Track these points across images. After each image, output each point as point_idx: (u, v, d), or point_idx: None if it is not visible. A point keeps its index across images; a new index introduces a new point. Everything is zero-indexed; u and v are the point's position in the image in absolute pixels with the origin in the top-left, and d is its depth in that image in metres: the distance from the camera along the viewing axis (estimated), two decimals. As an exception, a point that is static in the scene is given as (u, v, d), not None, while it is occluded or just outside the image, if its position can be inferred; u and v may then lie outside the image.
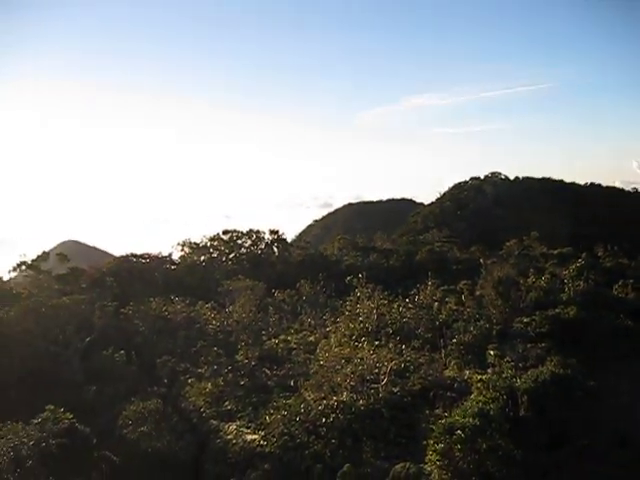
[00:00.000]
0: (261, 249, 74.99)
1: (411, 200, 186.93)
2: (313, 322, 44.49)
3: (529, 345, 32.24)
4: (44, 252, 62.56)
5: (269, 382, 35.06)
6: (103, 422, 27.77)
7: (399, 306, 38.96)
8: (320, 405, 27.19)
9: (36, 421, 23.60)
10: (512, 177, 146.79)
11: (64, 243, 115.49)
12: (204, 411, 30.74)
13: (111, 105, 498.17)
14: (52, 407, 24.37)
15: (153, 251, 71.75)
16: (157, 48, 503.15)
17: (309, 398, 28.43)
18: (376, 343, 31.61)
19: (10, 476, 21.34)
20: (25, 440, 22.12)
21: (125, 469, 23.71)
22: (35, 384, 32.53)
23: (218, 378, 35.01)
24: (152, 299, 46.20)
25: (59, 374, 34.84)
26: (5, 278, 59.95)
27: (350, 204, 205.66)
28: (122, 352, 36.39)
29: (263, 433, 27.08)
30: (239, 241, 74.73)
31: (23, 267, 60.61)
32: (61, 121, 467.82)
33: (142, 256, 69.22)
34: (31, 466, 21.60)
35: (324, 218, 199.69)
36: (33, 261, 60.43)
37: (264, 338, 42.14)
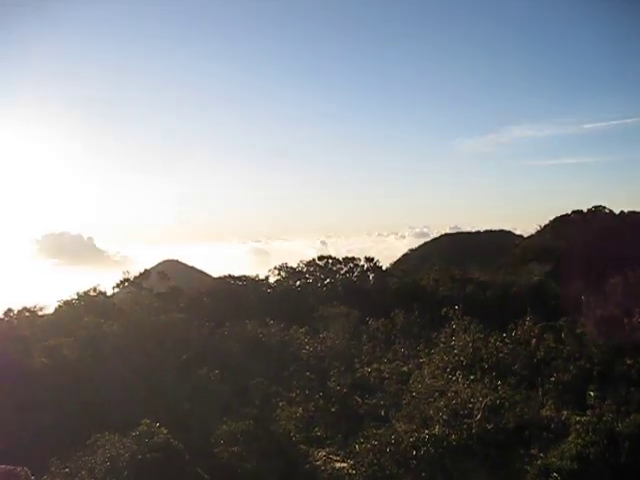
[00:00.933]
0: (356, 276, 75.00)
1: (510, 232, 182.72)
2: (406, 352, 43.87)
3: (632, 388, 30.83)
4: (146, 270, 64.80)
5: (360, 410, 34.76)
6: (196, 439, 28.16)
7: (495, 340, 37.88)
8: (411, 437, 26.65)
9: (133, 434, 24.25)
10: (617, 211, 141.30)
11: (165, 262, 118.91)
12: (294, 435, 30.72)
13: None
14: (148, 421, 24.99)
15: (250, 274, 73.20)
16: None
17: (400, 429, 27.94)
18: (471, 377, 30.81)
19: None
20: (122, 452, 22.81)
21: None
22: (132, 398, 33.55)
23: (309, 403, 35.06)
24: (247, 321, 46.95)
25: (155, 390, 35.76)
26: (109, 293, 62.58)
27: (447, 234, 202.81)
28: (216, 372, 37.03)
29: (352, 462, 26.82)
30: (334, 267, 75.04)
31: (126, 284, 63.07)
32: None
33: (239, 278, 70.64)
34: (126, 477, 22.22)
35: (420, 247, 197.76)
36: (135, 278, 62.76)
37: (357, 366, 41.88)
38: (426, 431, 27.57)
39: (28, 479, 23.53)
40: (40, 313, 59.06)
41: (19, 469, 23.47)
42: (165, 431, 24.59)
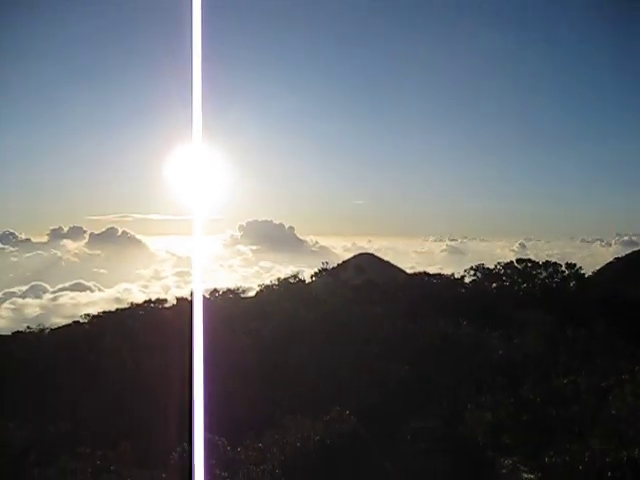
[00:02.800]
0: (556, 282, 71.83)
1: None
2: (606, 367, 41.38)
3: None
4: (343, 262, 66.53)
5: (552, 422, 33.34)
6: (382, 432, 28.50)
7: None
8: (607, 457, 25.14)
9: (324, 418, 25.08)
10: None
11: (361, 255, 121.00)
12: (481, 440, 30.16)
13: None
14: (338, 409, 25.70)
15: (445, 272, 72.69)
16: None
17: (595, 447, 26.48)
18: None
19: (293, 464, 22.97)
20: (312, 434, 23.69)
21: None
22: (323, 385, 34.66)
23: (499, 409, 34.18)
24: (440, 320, 46.65)
25: (345, 379, 36.63)
26: (307, 281, 65.06)
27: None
28: (406, 368, 37.21)
29: (541, 474, 25.87)
30: (533, 272, 72.38)
31: (324, 274, 65.16)
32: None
33: (434, 276, 70.34)
34: (314, 459, 23.03)
35: (628, 256, 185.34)
36: (333, 269, 64.65)
37: (552, 376, 40.17)
38: (625, 452, 25.94)
39: (225, 449, 25.14)
40: (242, 295, 62.66)
41: (217, 439, 25.15)
42: (354, 420, 25.18)
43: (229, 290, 62.42)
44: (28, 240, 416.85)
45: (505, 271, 72.90)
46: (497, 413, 33.64)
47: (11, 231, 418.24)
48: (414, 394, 34.94)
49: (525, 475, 26.64)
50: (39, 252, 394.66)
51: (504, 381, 37.78)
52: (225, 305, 56.34)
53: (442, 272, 75.47)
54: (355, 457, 23.52)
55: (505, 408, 34.49)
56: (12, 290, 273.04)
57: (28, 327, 57.05)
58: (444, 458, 27.04)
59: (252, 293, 66.17)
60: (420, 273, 74.23)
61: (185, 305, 53.87)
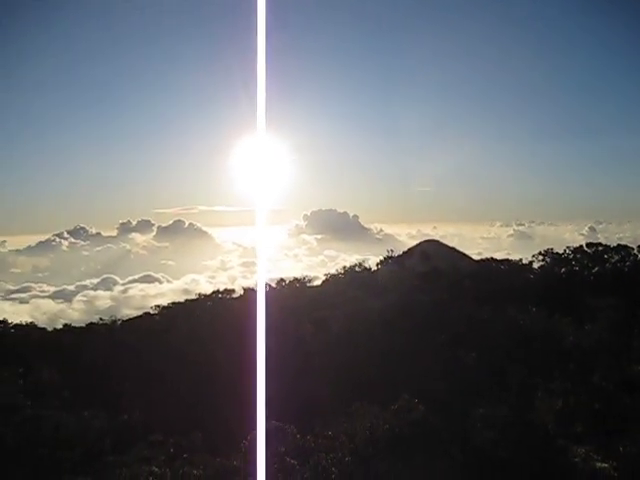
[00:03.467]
0: (628, 266, 69.83)
1: None
2: (684, 353, 40.18)
3: None
4: (409, 249, 66.21)
5: (626, 411, 32.57)
6: (450, 420, 28.35)
7: None
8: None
9: (392, 407, 25.13)
10: None
11: (426, 242, 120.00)
12: (552, 428, 29.69)
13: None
14: (406, 397, 25.70)
15: (513, 258, 71.61)
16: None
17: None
18: None
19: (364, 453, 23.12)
20: (381, 423, 23.78)
21: (467, 470, 24.05)
22: (390, 373, 34.68)
23: (570, 397, 33.56)
24: (508, 306, 46.01)
25: (412, 367, 36.56)
26: (372, 270, 65.07)
27: None
28: (474, 355, 36.89)
29: (615, 464, 25.34)
30: (604, 256, 70.53)
31: (389, 262, 65.03)
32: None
33: (502, 262, 69.37)
34: (383, 448, 23.12)
35: None
36: (398, 257, 64.44)
37: (624, 363, 39.22)
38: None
39: (294, 437, 25.43)
40: (308, 285, 63.05)
41: (287, 426, 25.47)
42: (422, 408, 25.15)
43: (295, 279, 62.94)
44: (98, 234, 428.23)
45: (575, 256, 71.27)
46: (568, 401, 33.03)
47: (82, 226, 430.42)
48: (483, 381, 34.63)
49: (598, 464, 26.10)
50: (109, 245, 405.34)
51: (575, 368, 37.05)
52: (292, 294, 56.84)
53: (510, 258, 74.26)
54: (424, 445, 23.49)
55: (576, 396, 33.83)
56: (84, 283, 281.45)
57: (101, 319, 58.74)
58: (514, 446, 26.73)
59: (318, 282, 66.63)
60: (487, 259, 73.38)
61: (252, 295, 54.55)
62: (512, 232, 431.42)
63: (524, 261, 71.13)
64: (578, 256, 71.06)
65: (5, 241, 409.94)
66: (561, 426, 30.24)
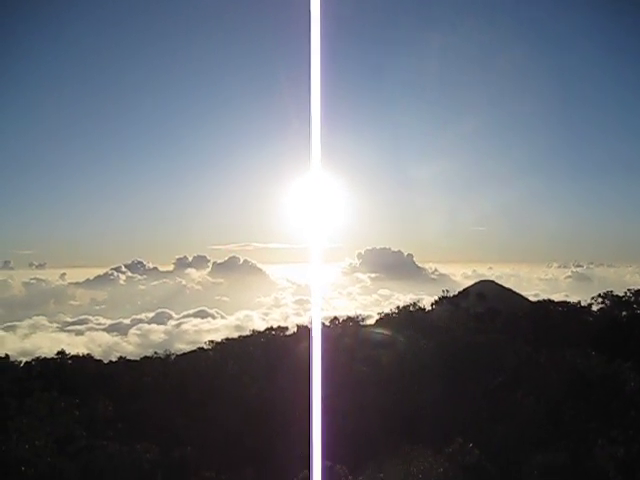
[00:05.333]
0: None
1: None
2: None
3: None
4: (465, 290, 65.49)
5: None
6: (506, 465, 27.70)
7: None
8: None
9: (446, 450, 24.67)
10: None
11: (482, 282, 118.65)
12: (613, 477, 28.66)
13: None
14: (461, 440, 25.22)
15: (571, 300, 70.20)
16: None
17: None
18: None
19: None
20: (435, 466, 23.34)
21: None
22: (444, 414, 34.07)
23: (633, 444, 32.39)
24: (566, 349, 44.93)
25: (467, 409, 35.89)
26: (427, 309, 64.50)
27: None
28: (531, 398, 36.02)
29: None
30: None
31: (444, 302, 64.40)
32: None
33: (559, 304, 68.03)
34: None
35: None
36: (454, 297, 63.78)
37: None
38: None
39: (346, 477, 25.14)
40: (362, 323, 62.76)
41: (338, 467, 25.21)
42: (478, 452, 24.63)
43: (349, 318, 62.69)
44: (155, 269, 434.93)
45: (636, 298, 69.42)
46: (630, 448, 31.87)
47: (139, 260, 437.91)
48: (541, 427, 33.73)
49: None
50: (165, 280, 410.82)
51: (637, 415, 35.81)
52: (345, 333, 56.59)
53: (568, 300, 72.72)
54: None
55: (638, 444, 32.63)
56: (139, 317, 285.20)
57: (155, 352, 59.41)
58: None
59: (371, 321, 66.26)
60: (544, 301, 71.99)
61: (305, 332, 54.54)
62: (570, 274, 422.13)
63: (583, 303, 69.56)
64: (639, 299, 69.25)
65: (65, 274, 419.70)
66: (623, 475, 29.18)
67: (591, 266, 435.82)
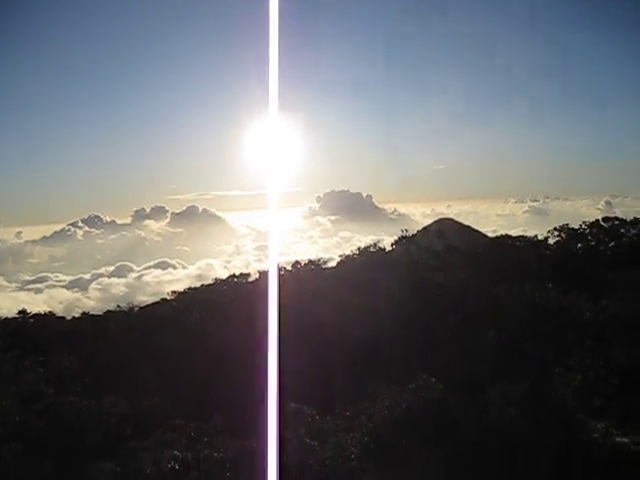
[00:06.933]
0: (646, 240, 69.29)
1: None
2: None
3: None
4: (424, 228, 66.09)
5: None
6: (468, 398, 28.36)
7: None
8: None
9: (410, 386, 25.20)
10: None
11: (440, 221, 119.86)
12: (570, 404, 29.65)
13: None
14: (425, 376, 25.78)
15: (528, 234, 71.45)
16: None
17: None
18: None
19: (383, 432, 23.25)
20: (399, 403, 23.88)
21: (486, 448, 24.09)
22: (407, 352, 34.74)
23: (588, 372, 33.46)
24: (524, 283, 45.80)
25: (429, 346, 36.60)
26: (387, 250, 65.05)
27: None
28: (491, 333, 36.80)
29: (635, 438, 25.34)
30: (621, 230, 70.01)
31: (404, 241, 64.97)
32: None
33: (517, 239, 69.19)
34: (401, 426, 23.24)
35: None
36: (413, 236, 64.34)
37: (643, 337, 39.02)
38: None
39: (313, 418, 25.58)
40: (324, 266, 63.04)
41: (305, 408, 25.62)
42: (441, 387, 25.22)
43: (310, 261, 62.88)
44: (113, 222, 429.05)
45: (591, 231, 70.83)
46: (587, 376, 32.92)
47: (96, 214, 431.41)
48: (502, 360, 34.61)
49: (618, 439, 26.13)
50: (124, 233, 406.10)
51: (593, 344, 36.87)
52: (307, 277, 56.87)
53: (525, 234, 73.92)
54: (443, 423, 23.56)
55: (595, 371, 33.70)
56: (99, 271, 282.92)
57: (118, 306, 59.15)
58: (533, 423, 26.74)
59: (333, 264, 66.55)
60: (502, 236, 73.04)
61: (267, 278, 54.36)
62: (527, 208, 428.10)
63: (540, 237, 70.73)
64: (594, 231, 70.57)
65: (21, 232, 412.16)
66: (580, 401, 30.18)
67: (547, 200, 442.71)
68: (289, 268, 61.48)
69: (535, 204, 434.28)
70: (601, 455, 24.93)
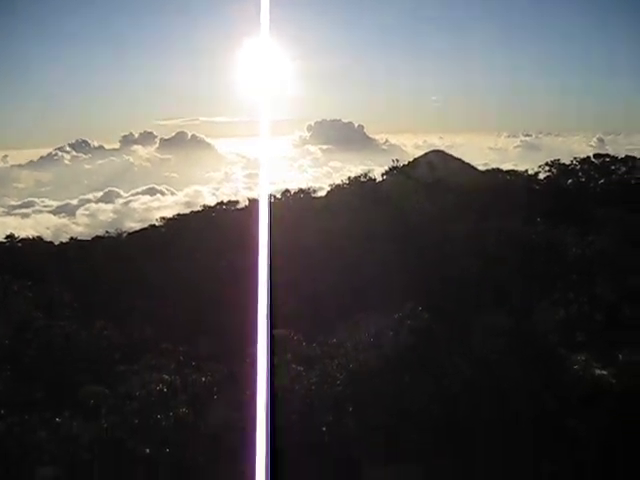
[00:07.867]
0: (636, 178, 69.21)
1: None
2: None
3: None
4: (415, 159, 65.77)
5: (627, 321, 32.95)
6: (454, 329, 28.71)
7: None
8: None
9: (396, 315, 25.47)
10: None
11: (432, 153, 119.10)
12: (553, 337, 30.12)
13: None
14: (411, 305, 26.03)
15: (519, 169, 71.39)
16: None
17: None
18: None
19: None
20: (385, 330, 24.19)
21: (471, 379, 24.52)
22: (394, 282, 34.93)
23: (572, 306, 33.89)
24: (513, 217, 45.92)
25: (416, 276, 36.79)
26: (378, 180, 64.88)
27: None
28: (477, 265, 37.05)
29: (615, 371, 25.82)
30: (612, 167, 69.82)
31: (394, 172, 64.71)
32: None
33: (508, 172, 69.10)
34: (387, 354, 23.59)
35: None
36: (404, 167, 64.08)
37: (628, 274, 39.37)
38: None
39: (300, 344, 25.92)
40: (313, 195, 62.87)
41: (292, 334, 25.94)
42: (427, 316, 25.50)
43: (300, 190, 62.65)
44: (101, 147, 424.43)
45: (582, 167, 70.53)
46: (569, 311, 33.34)
47: (84, 139, 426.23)
48: (486, 291, 34.94)
49: (598, 371, 26.59)
50: (112, 159, 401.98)
51: (578, 279, 37.24)
52: (297, 205, 56.77)
53: (516, 169, 73.73)
54: (428, 352, 23.91)
55: (578, 306, 34.12)
56: (87, 197, 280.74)
57: (107, 232, 58.90)
58: (515, 355, 27.18)
59: (323, 193, 66.35)
60: (493, 170, 72.86)
61: (256, 206, 53.83)
62: (519, 143, 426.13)
63: (530, 172, 70.53)
64: (585, 167, 70.26)
65: (7, 156, 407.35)
66: (562, 335, 30.64)
67: (540, 135, 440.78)
68: (279, 196, 61.28)
69: (527, 139, 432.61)
70: (580, 386, 25.44)
